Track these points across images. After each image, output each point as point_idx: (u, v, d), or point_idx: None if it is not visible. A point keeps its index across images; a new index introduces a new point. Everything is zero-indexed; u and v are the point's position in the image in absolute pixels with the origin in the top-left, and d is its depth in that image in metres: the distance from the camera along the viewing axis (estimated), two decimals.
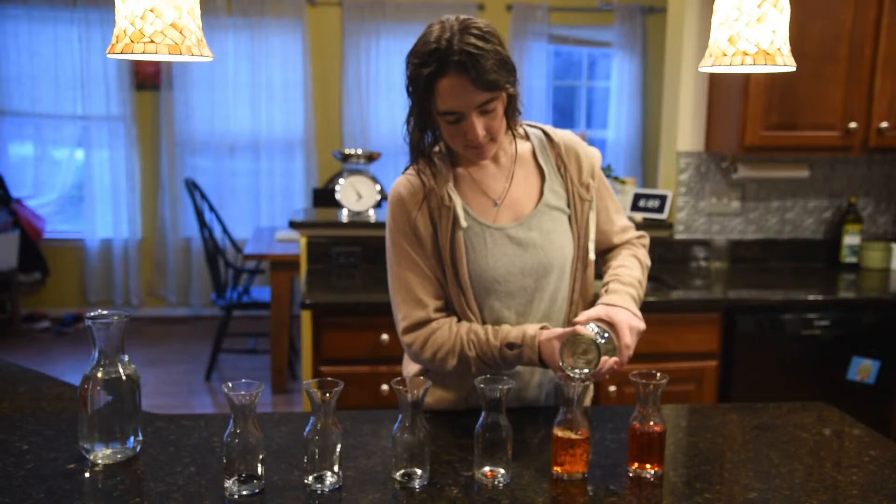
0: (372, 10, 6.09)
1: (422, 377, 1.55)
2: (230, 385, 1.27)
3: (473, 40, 1.41)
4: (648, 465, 1.38)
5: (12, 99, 5.99)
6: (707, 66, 1.44)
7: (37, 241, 5.94)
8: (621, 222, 1.76)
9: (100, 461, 1.38)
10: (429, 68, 1.43)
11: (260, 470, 1.29)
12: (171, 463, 1.40)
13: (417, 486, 1.32)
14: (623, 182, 3.52)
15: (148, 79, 6.07)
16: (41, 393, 1.79)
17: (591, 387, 1.81)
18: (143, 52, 1.16)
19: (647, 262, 1.75)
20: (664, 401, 1.45)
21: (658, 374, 1.37)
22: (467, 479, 1.36)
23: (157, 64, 5.93)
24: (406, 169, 1.62)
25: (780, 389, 2.88)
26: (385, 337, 2.64)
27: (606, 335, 1.47)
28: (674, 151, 3.42)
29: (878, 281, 3.23)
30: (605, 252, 1.77)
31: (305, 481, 1.31)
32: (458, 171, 1.62)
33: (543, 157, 1.65)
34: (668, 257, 3.42)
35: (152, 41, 1.16)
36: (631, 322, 1.51)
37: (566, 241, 1.63)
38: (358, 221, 3.23)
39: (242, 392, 1.26)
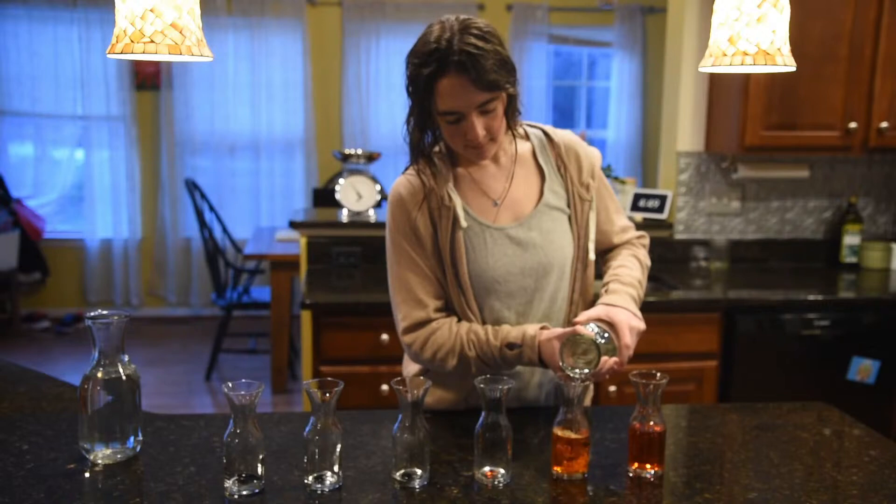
0: (372, 10, 6.09)
1: (422, 377, 1.55)
2: (230, 385, 1.27)
3: (473, 40, 1.41)
4: (648, 465, 1.38)
5: (12, 99, 5.99)
6: (707, 66, 1.44)
7: (37, 241, 5.93)
8: (621, 222, 1.76)
9: (100, 461, 1.38)
10: (429, 68, 1.43)
11: (260, 470, 1.29)
12: (171, 463, 1.40)
13: (417, 486, 1.32)
14: (623, 182, 3.52)
15: (148, 79, 6.07)
16: (41, 393, 1.78)
17: (591, 387, 1.81)
18: (143, 52, 1.16)
19: (647, 262, 1.75)
20: (664, 401, 1.45)
21: (658, 374, 1.37)
22: (467, 479, 1.36)
23: (157, 64, 5.93)
24: (406, 169, 1.62)
25: (780, 389, 2.88)
26: (385, 337, 2.64)
27: (606, 335, 1.47)
28: (674, 151, 3.42)
29: (878, 281, 3.22)
30: (605, 252, 1.77)
31: (305, 481, 1.31)
32: (458, 171, 1.62)
33: (543, 157, 1.65)
34: (668, 257, 3.42)
35: (152, 41, 1.16)
36: (631, 322, 1.51)
37: (566, 241, 1.63)
38: (358, 221, 3.23)
39: (242, 392, 1.26)
